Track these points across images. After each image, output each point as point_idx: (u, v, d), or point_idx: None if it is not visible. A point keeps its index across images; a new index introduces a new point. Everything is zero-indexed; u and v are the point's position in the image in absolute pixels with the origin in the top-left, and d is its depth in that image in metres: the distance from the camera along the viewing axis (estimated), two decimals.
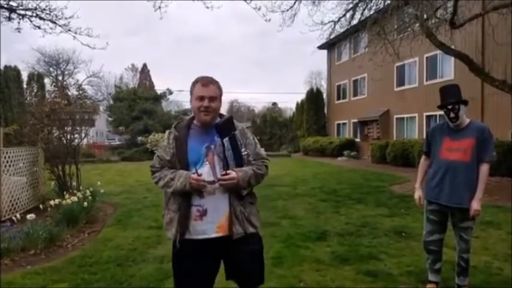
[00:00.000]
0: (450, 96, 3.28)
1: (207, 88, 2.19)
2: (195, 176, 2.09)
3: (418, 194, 3.47)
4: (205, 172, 2.14)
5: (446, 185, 3.25)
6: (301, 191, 9.55)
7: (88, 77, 43.22)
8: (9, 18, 10.26)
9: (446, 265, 3.76)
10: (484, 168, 3.20)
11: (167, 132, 2.26)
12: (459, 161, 3.21)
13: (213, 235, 2.16)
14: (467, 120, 3.30)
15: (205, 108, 2.17)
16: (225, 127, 2.23)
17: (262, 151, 2.39)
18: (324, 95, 28.25)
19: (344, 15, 11.23)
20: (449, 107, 3.23)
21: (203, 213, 2.16)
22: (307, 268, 4.09)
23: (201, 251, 2.20)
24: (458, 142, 3.25)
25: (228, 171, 2.13)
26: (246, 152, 2.27)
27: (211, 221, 2.16)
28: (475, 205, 3.15)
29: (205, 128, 2.24)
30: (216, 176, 2.16)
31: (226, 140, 2.20)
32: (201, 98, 2.18)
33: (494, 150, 3.25)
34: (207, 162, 2.18)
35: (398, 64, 17.25)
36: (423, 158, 3.59)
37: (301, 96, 35.51)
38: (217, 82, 2.27)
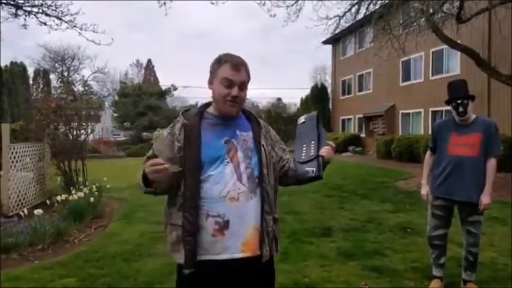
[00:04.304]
0: (459, 91, 3.29)
1: (238, 72, 1.66)
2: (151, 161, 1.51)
3: (425, 190, 3.46)
4: (227, 174, 1.63)
5: (454, 180, 3.24)
6: (306, 187, 9.50)
7: (93, 73, 43.29)
8: (16, 15, 10.34)
9: (452, 261, 3.76)
10: (492, 163, 3.22)
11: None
12: (467, 156, 3.21)
13: (239, 255, 1.62)
14: (473, 116, 3.31)
15: (233, 98, 1.66)
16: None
17: None
18: (329, 90, 28.17)
19: (349, 9, 11.20)
20: (459, 101, 3.23)
21: (224, 225, 1.61)
22: (312, 264, 4.10)
23: (221, 276, 1.64)
24: (466, 137, 3.25)
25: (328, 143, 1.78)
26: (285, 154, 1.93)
27: (236, 236, 1.62)
28: (485, 199, 3.15)
29: (225, 119, 1.72)
30: (240, 178, 1.64)
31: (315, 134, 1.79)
32: (230, 84, 1.65)
33: (501, 145, 3.27)
34: (228, 161, 1.65)
35: (403, 59, 17.10)
36: (428, 153, 3.57)
37: (305, 91, 35.41)
38: (247, 64, 1.73)
